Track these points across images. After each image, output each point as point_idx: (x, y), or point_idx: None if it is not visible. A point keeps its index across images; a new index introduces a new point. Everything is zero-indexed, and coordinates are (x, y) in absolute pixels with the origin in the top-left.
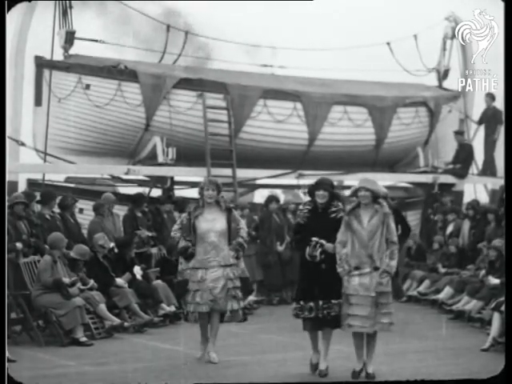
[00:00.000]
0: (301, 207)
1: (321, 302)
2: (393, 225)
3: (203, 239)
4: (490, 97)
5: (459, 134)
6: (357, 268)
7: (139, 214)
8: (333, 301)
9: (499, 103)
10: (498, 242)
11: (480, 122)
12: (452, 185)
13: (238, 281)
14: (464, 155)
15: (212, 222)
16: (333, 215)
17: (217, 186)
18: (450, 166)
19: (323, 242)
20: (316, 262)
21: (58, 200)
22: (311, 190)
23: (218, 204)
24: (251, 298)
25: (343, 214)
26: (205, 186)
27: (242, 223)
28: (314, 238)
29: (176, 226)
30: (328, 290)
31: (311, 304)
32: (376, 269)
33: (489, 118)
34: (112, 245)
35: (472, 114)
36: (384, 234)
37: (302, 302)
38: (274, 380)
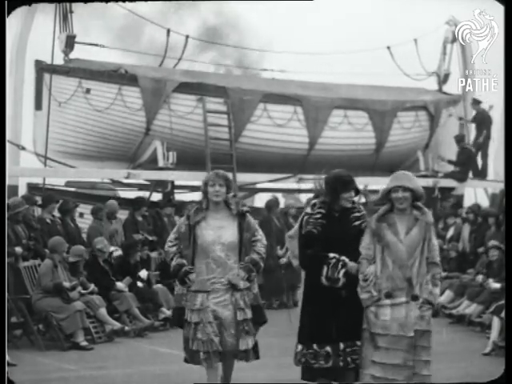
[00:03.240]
0: (308, 210)
1: (342, 345)
2: (435, 240)
3: (206, 253)
4: (476, 102)
5: (460, 138)
6: (388, 295)
7: (140, 218)
8: (358, 342)
9: (499, 104)
10: (496, 242)
11: (473, 121)
12: (452, 189)
13: (249, 310)
14: (464, 159)
15: (219, 231)
16: (356, 223)
17: (226, 180)
18: (452, 166)
19: (345, 259)
20: (334, 289)
21: (58, 204)
22: (333, 190)
23: (228, 206)
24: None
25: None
26: (209, 180)
27: (260, 233)
28: (333, 254)
29: (172, 236)
30: (351, 328)
31: (328, 348)
32: (415, 298)
33: (478, 122)
34: (112, 249)
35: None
36: (425, 251)
37: (315, 346)
38: None
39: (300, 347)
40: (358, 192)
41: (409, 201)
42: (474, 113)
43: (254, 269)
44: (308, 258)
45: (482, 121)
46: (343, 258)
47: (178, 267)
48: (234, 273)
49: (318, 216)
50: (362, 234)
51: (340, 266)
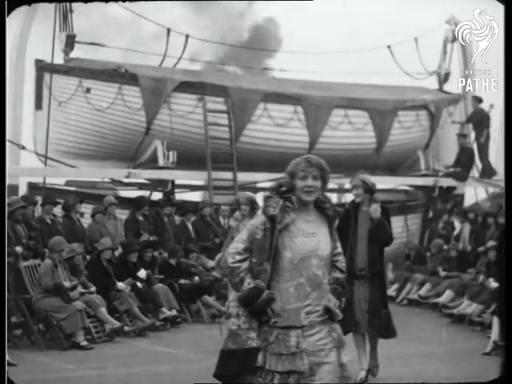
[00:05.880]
0: None
1: None
2: None
3: (298, 271)
4: (476, 100)
5: (462, 136)
6: None
7: (140, 218)
8: None
9: (499, 104)
10: (495, 242)
11: (468, 121)
12: (453, 188)
13: None
14: (465, 158)
15: (314, 239)
16: None
17: (322, 171)
18: (451, 170)
19: None
20: None
21: (58, 204)
22: None
23: (320, 207)
24: None
25: None
26: (299, 170)
27: (339, 244)
28: None
29: (240, 246)
30: None
31: None
32: None
33: (476, 122)
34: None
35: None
36: None
37: None
38: None
39: None
40: None
41: None
42: (471, 111)
43: (343, 292)
44: None
45: (481, 120)
46: None
47: (255, 292)
48: (330, 298)
49: None
50: None
51: None
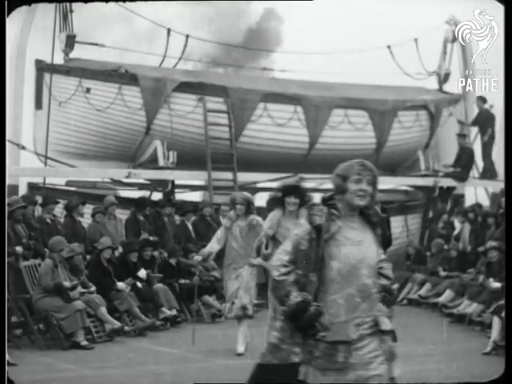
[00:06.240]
0: None
1: None
2: None
3: (348, 281)
4: (481, 100)
5: (462, 136)
6: None
7: (141, 218)
8: None
9: (499, 104)
10: (495, 242)
11: (473, 124)
12: (453, 188)
13: None
14: (465, 159)
15: (361, 247)
16: None
17: (375, 177)
18: (451, 169)
19: None
20: None
21: (58, 203)
22: None
23: (363, 213)
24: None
25: None
26: (353, 173)
27: (381, 250)
28: None
29: (284, 258)
30: None
31: None
32: None
33: (481, 122)
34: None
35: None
36: None
37: None
38: None
39: None
40: None
41: None
42: (476, 112)
43: (392, 300)
44: None
45: (486, 120)
46: None
47: (303, 306)
48: (380, 308)
49: None
50: None
51: None
